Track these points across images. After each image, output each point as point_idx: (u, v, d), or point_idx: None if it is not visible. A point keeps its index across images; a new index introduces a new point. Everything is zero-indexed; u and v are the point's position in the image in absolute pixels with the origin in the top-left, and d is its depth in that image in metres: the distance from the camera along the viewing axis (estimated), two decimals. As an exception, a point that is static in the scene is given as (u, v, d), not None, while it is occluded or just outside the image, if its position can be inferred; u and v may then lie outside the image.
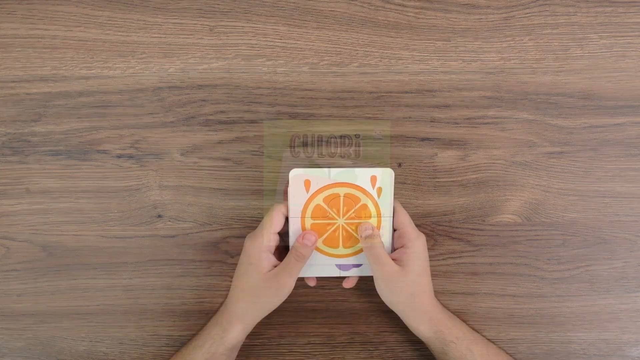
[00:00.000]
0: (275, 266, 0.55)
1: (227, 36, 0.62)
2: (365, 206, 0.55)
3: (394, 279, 0.54)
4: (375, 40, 0.62)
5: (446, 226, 0.62)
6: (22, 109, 0.62)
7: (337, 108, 0.62)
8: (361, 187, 0.55)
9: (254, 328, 0.62)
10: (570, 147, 0.62)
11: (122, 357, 0.62)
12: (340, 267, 0.57)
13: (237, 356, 0.62)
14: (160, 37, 0.62)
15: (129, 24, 0.62)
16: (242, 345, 0.62)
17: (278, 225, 0.55)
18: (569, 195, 0.62)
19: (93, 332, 0.62)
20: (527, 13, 0.62)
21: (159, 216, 0.62)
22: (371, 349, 0.62)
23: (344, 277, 0.59)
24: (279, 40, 0.62)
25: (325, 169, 0.55)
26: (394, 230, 0.57)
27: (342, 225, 0.56)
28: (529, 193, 0.62)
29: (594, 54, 0.62)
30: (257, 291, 0.54)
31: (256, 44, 0.62)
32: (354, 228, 0.56)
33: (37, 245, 0.62)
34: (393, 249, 0.57)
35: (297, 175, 0.55)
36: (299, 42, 0.62)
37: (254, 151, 0.62)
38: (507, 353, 0.56)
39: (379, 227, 0.56)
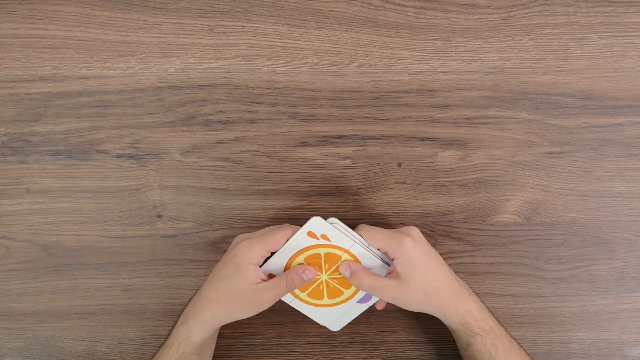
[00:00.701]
0: (261, 281, 0.54)
1: (227, 36, 0.62)
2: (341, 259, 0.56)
3: (399, 294, 0.54)
4: (375, 40, 0.62)
5: (446, 226, 0.62)
6: (22, 109, 0.62)
7: (337, 108, 0.62)
8: (341, 247, 0.55)
9: (254, 328, 0.62)
10: (570, 147, 0.62)
11: (122, 357, 0.62)
12: (361, 301, 0.58)
13: (237, 356, 0.62)
14: (160, 37, 0.62)
15: (129, 24, 0.62)
16: (242, 345, 0.62)
17: (277, 246, 0.54)
18: (569, 195, 0.62)
19: (93, 332, 0.62)
20: (527, 13, 0.62)
21: (159, 216, 0.62)
22: (371, 349, 0.62)
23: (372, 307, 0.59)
24: (279, 40, 0.62)
25: (298, 237, 0.54)
26: (378, 249, 0.56)
27: (325, 281, 0.57)
28: (529, 193, 0.62)
29: (594, 54, 0.62)
30: (235, 299, 0.53)
31: (256, 44, 0.62)
32: (337, 282, 0.57)
33: (37, 245, 0.62)
34: (386, 263, 0.56)
35: (315, 223, 0.54)
36: (299, 42, 0.62)
37: (254, 151, 0.62)
38: (527, 353, 0.56)
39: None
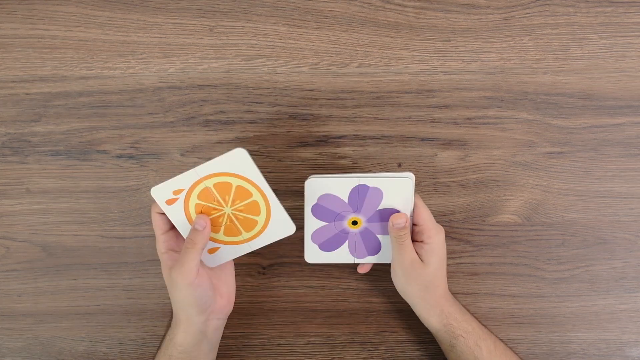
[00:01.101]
0: (173, 260, 0.53)
1: (227, 36, 0.62)
2: (240, 187, 0.52)
3: (412, 269, 0.54)
4: (375, 40, 0.62)
5: (446, 226, 0.62)
6: (22, 109, 0.62)
7: (337, 108, 0.62)
8: (226, 172, 0.52)
9: (254, 328, 0.62)
10: (570, 147, 0.62)
11: (122, 357, 0.62)
12: (355, 254, 0.57)
13: (237, 356, 0.62)
14: (160, 37, 0.62)
15: (129, 24, 0.62)
16: (242, 345, 0.62)
17: (162, 225, 0.54)
18: (569, 195, 0.62)
19: (93, 332, 0.62)
20: (527, 13, 0.62)
21: (159, 216, 0.62)
22: (371, 349, 0.62)
23: (356, 265, 0.59)
24: (279, 40, 0.62)
25: (181, 176, 0.52)
26: (414, 225, 0.56)
27: (231, 214, 0.54)
28: (529, 193, 0.62)
29: (594, 54, 0.62)
30: (172, 287, 0.53)
31: (256, 44, 0.62)
32: (244, 211, 0.53)
33: (37, 245, 0.62)
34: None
35: (156, 191, 0.52)
36: (299, 42, 0.62)
37: (254, 151, 0.62)
38: (514, 352, 0.56)
39: (268, 206, 0.53)
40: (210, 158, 0.62)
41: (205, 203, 0.53)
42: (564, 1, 0.62)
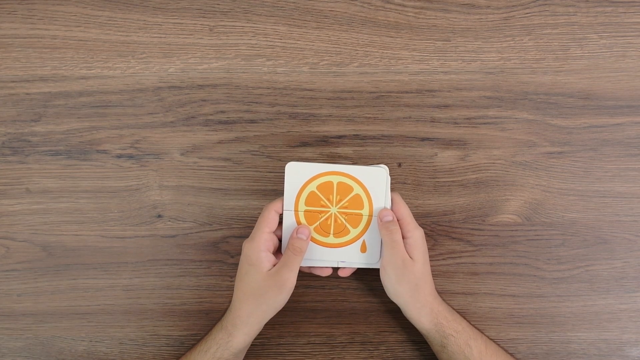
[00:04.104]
0: (275, 265, 0.55)
1: (227, 36, 0.62)
2: (358, 197, 0.56)
3: (404, 267, 0.54)
4: (375, 40, 0.62)
5: (446, 226, 0.62)
6: (22, 109, 0.62)
7: (337, 108, 0.62)
8: (354, 177, 0.56)
9: (254, 328, 0.62)
10: (570, 147, 0.62)
11: (122, 357, 0.62)
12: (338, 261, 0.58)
13: (237, 356, 0.62)
14: (160, 37, 0.62)
15: (129, 24, 0.62)
16: (242, 345, 0.62)
17: (273, 224, 0.55)
18: (569, 195, 0.62)
19: (93, 332, 0.62)
20: (527, 13, 0.62)
21: (159, 216, 0.62)
22: (371, 349, 0.62)
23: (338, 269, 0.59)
24: (279, 40, 0.62)
25: (318, 163, 0.55)
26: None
27: (335, 214, 0.56)
28: (529, 193, 0.62)
29: (594, 54, 0.62)
30: (260, 291, 0.54)
31: (256, 44, 0.62)
32: (345, 218, 0.56)
33: (37, 245, 0.62)
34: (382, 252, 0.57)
35: (291, 167, 0.55)
36: (299, 42, 0.62)
37: (254, 151, 0.62)
38: (508, 352, 0.56)
39: (369, 223, 0.56)
40: (211, 157, 0.62)
41: (320, 194, 0.56)
42: (564, 1, 0.62)
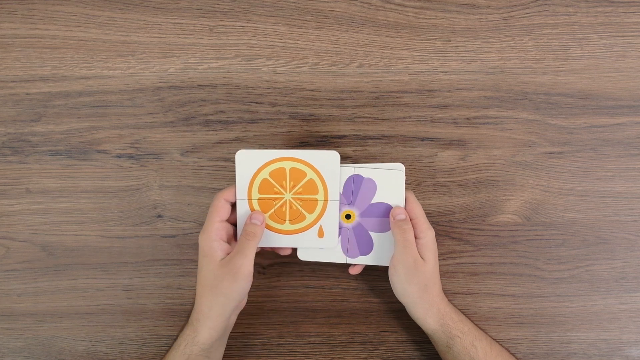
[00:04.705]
0: (226, 252, 0.53)
1: (227, 36, 0.62)
2: (312, 182, 0.55)
3: (415, 268, 0.54)
4: (375, 40, 0.62)
5: (446, 226, 0.62)
6: (22, 109, 0.62)
7: (337, 108, 0.62)
8: (307, 162, 0.55)
9: (254, 328, 0.62)
10: (570, 147, 0.62)
11: (122, 357, 0.62)
12: (347, 254, 0.57)
13: (237, 356, 0.62)
14: (160, 37, 0.62)
15: (129, 24, 0.62)
16: (242, 345, 0.62)
17: (223, 213, 0.53)
18: (569, 195, 0.62)
19: (93, 332, 0.62)
20: (527, 13, 0.62)
21: (159, 216, 0.62)
22: (371, 349, 0.62)
23: (348, 265, 0.59)
24: (279, 40, 0.62)
25: (269, 150, 0.55)
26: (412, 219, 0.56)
27: (289, 200, 0.55)
28: (529, 193, 0.62)
29: (594, 54, 0.62)
30: (215, 281, 0.52)
31: (256, 44, 0.62)
32: (300, 203, 0.55)
33: (37, 245, 0.62)
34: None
35: (241, 155, 0.54)
36: (299, 42, 0.62)
37: (254, 151, 0.62)
38: (510, 352, 0.56)
39: (325, 208, 0.56)
40: (211, 157, 0.62)
41: (272, 181, 0.55)
42: (564, 1, 0.62)
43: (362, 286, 0.63)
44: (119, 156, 0.62)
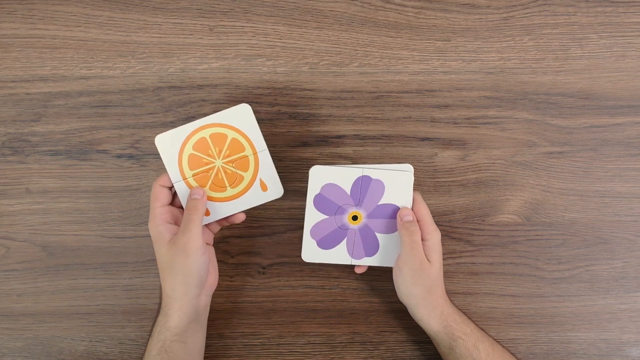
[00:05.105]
0: (172, 233, 0.54)
1: (227, 36, 0.62)
2: (235, 140, 0.55)
3: (421, 270, 0.54)
4: (375, 40, 0.62)
5: (446, 226, 0.62)
6: (22, 109, 0.62)
7: (337, 108, 0.62)
8: (223, 124, 0.55)
9: (254, 328, 0.62)
10: (570, 147, 0.62)
11: (122, 357, 0.62)
12: (352, 255, 0.57)
13: (237, 356, 0.62)
14: (160, 37, 0.62)
15: (129, 24, 0.62)
16: (242, 345, 0.62)
17: (163, 197, 0.54)
18: (569, 195, 0.62)
19: (93, 332, 0.62)
20: (527, 13, 0.62)
21: (159, 216, 0.62)
22: (371, 349, 0.62)
23: (353, 266, 0.58)
24: (279, 40, 0.62)
25: (184, 125, 0.55)
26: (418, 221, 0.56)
27: (221, 166, 0.56)
28: (529, 193, 0.62)
29: (594, 54, 0.62)
30: (169, 262, 0.52)
31: (256, 44, 0.62)
32: (234, 165, 0.56)
33: (37, 245, 0.62)
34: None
35: (160, 140, 0.55)
36: (299, 42, 0.62)
37: (254, 151, 0.62)
38: (512, 353, 0.56)
39: (257, 161, 0.56)
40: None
41: (199, 154, 0.55)
42: (564, 1, 0.62)
43: (362, 286, 0.63)
44: (119, 156, 0.62)
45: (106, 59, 0.62)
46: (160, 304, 0.55)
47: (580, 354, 0.62)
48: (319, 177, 0.55)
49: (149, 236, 0.62)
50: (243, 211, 0.57)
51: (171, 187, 0.55)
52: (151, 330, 0.54)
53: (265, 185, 0.56)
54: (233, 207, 0.56)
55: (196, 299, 0.53)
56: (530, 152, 0.62)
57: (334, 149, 0.62)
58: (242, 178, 0.56)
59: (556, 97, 0.62)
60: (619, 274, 0.62)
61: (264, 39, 0.62)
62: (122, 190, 0.62)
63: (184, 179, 0.55)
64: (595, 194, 0.62)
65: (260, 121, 0.62)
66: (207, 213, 0.56)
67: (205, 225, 0.56)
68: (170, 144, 0.54)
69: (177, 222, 0.55)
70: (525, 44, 0.62)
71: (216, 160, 0.55)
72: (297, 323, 0.63)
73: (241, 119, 0.55)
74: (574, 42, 0.62)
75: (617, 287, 0.62)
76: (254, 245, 0.61)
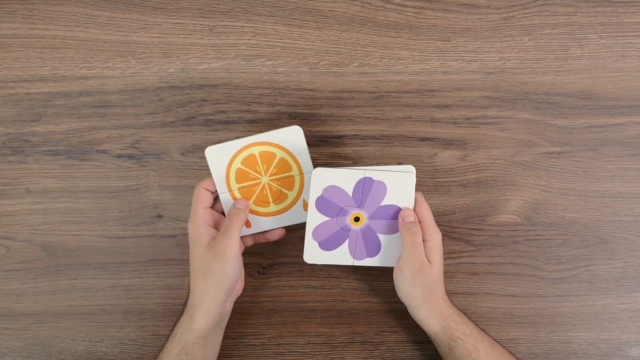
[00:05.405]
0: (212, 236, 0.54)
1: (227, 36, 0.62)
2: (283, 160, 0.56)
3: (422, 271, 0.54)
4: (375, 40, 0.62)
5: (446, 226, 0.62)
6: (22, 109, 0.62)
7: (337, 108, 0.62)
8: (273, 143, 0.56)
9: (254, 328, 0.62)
10: (570, 147, 0.62)
11: (122, 357, 0.62)
12: (354, 256, 0.57)
13: (237, 356, 0.62)
14: (160, 37, 0.62)
15: (129, 24, 0.62)
16: (242, 345, 0.62)
17: (206, 200, 0.55)
18: (569, 195, 0.62)
19: (93, 332, 0.62)
20: (527, 13, 0.62)
21: (159, 216, 0.62)
22: (371, 349, 0.62)
23: (357, 267, 0.58)
24: (279, 40, 0.62)
25: (235, 140, 0.55)
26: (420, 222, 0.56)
27: (267, 183, 0.57)
28: (529, 193, 0.62)
29: (594, 54, 0.62)
30: (204, 265, 0.53)
31: (256, 44, 0.62)
32: (279, 184, 0.57)
33: (37, 245, 0.62)
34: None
35: (210, 152, 0.55)
36: (299, 42, 0.62)
37: (254, 151, 0.62)
38: (511, 353, 0.56)
39: (302, 182, 0.57)
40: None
41: (246, 169, 0.56)
42: (564, 1, 0.62)
43: (362, 286, 0.63)
44: (119, 156, 0.62)
45: (106, 59, 0.62)
46: (185, 304, 0.55)
47: (580, 354, 0.62)
48: (321, 179, 0.55)
49: (149, 236, 0.62)
50: (283, 227, 0.58)
51: (213, 192, 0.56)
52: (172, 330, 0.55)
53: (307, 205, 0.57)
54: (273, 222, 0.58)
55: (223, 305, 0.54)
56: (530, 152, 0.62)
57: (334, 149, 0.62)
58: (286, 196, 0.57)
59: (556, 97, 0.62)
60: (619, 274, 0.62)
61: (264, 39, 0.62)
62: (122, 190, 0.62)
63: (230, 190, 0.56)
64: (595, 194, 0.62)
65: (260, 121, 0.62)
66: (248, 224, 0.57)
67: (240, 237, 0.56)
68: (219, 157, 0.56)
69: (216, 226, 0.55)
70: (525, 44, 0.62)
71: (263, 177, 0.57)
72: (297, 323, 0.63)
73: (291, 139, 0.56)
74: (574, 42, 0.62)
75: (617, 287, 0.62)
76: (254, 245, 0.60)
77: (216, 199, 0.57)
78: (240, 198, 0.56)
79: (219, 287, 0.53)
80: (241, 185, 0.56)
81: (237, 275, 0.54)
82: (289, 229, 0.60)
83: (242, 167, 0.56)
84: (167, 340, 0.54)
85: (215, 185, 0.56)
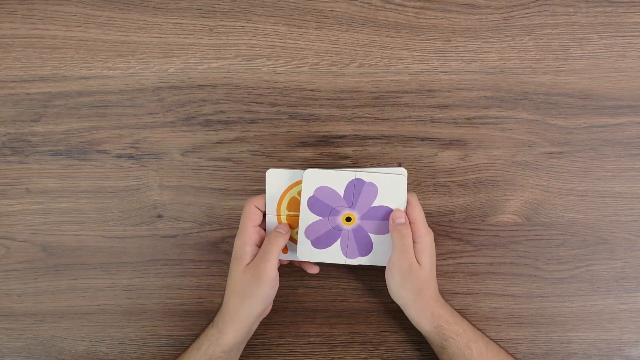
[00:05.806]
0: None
1: (227, 36, 0.62)
2: None
3: (409, 272, 0.54)
4: (375, 40, 0.62)
5: (446, 226, 0.62)
6: (22, 109, 0.62)
7: (337, 108, 0.62)
8: None
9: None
10: (570, 147, 0.62)
11: (122, 357, 0.62)
12: (346, 254, 0.57)
13: (237, 356, 0.62)
14: (160, 37, 0.62)
15: (129, 24, 0.62)
16: (242, 345, 0.62)
17: (256, 218, 0.55)
18: (569, 195, 0.62)
19: (93, 332, 0.62)
20: (527, 13, 0.62)
21: (159, 216, 0.62)
22: (371, 349, 0.62)
23: (349, 266, 0.59)
24: (279, 40, 0.62)
25: (297, 170, 0.56)
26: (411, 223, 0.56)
27: None
28: (529, 193, 0.62)
29: (594, 54, 0.62)
30: (241, 285, 0.54)
31: (256, 44, 0.62)
32: None
33: (37, 245, 0.62)
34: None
35: (271, 174, 0.56)
36: (299, 42, 0.62)
37: (254, 151, 0.62)
38: (509, 353, 0.56)
39: None
40: (211, 158, 0.62)
41: (299, 199, 0.56)
42: (564, 1, 0.62)
43: (362, 286, 0.63)
44: (119, 156, 0.62)
45: (106, 59, 0.62)
46: (215, 316, 0.56)
47: (580, 354, 0.62)
48: (313, 180, 0.55)
49: (149, 236, 0.62)
50: (317, 264, 0.59)
51: (262, 210, 0.57)
52: (196, 339, 0.55)
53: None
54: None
55: (252, 325, 0.55)
56: (530, 152, 0.62)
57: (334, 149, 0.62)
58: None
59: (556, 97, 0.62)
60: (619, 274, 0.62)
61: (264, 39, 0.62)
62: (122, 190, 0.62)
63: (278, 214, 0.57)
64: (595, 194, 0.62)
65: (260, 121, 0.62)
66: (285, 250, 0.58)
67: None
68: (279, 180, 0.56)
69: (260, 245, 0.56)
70: (525, 44, 0.62)
71: None
72: (297, 323, 0.63)
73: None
74: (574, 42, 0.62)
75: (617, 287, 0.62)
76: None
77: (263, 214, 0.57)
78: (284, 223, 0.57)
79: (252, 309, 0.54)
80: (290, 213, 0.57)
81: (272, 299, 0.55)
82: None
83: (298, 197, 0.56)
84: (188, 349, 0.55)
85: (265, 205, 0.56)
